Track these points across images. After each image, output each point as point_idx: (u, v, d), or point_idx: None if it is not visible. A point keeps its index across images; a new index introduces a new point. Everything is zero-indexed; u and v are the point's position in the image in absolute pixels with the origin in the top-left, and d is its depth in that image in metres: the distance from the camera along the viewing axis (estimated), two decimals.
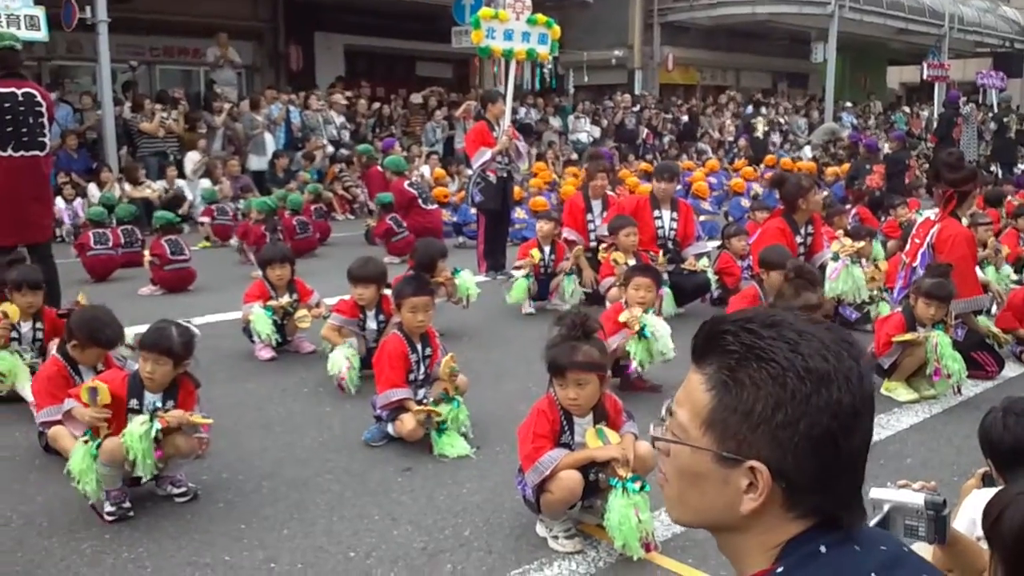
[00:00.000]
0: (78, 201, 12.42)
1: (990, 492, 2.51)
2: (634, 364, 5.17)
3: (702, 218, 12.31)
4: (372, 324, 5.81)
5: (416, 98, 18.61)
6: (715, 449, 1.16)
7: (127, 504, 3.81)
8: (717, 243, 9.14)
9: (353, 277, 5.80)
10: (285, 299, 6.32)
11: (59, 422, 3.97)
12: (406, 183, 11.50)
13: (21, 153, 6.36)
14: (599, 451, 3.49)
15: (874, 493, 2.01)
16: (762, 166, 17.17)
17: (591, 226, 8.40)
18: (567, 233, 8.20)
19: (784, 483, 1.13)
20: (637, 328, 5.17)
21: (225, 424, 4.64)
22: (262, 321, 6.15)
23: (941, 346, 5.29)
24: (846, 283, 6.64)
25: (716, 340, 1.19)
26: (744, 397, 1.13)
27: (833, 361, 1.12)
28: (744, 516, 1.16)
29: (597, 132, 20.57)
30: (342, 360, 5.40)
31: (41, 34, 10.02)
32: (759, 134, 21.60)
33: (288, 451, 4.55)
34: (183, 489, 3.99)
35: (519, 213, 11.82)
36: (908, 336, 5.34)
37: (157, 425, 3.73)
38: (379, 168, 12.58)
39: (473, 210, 10.39)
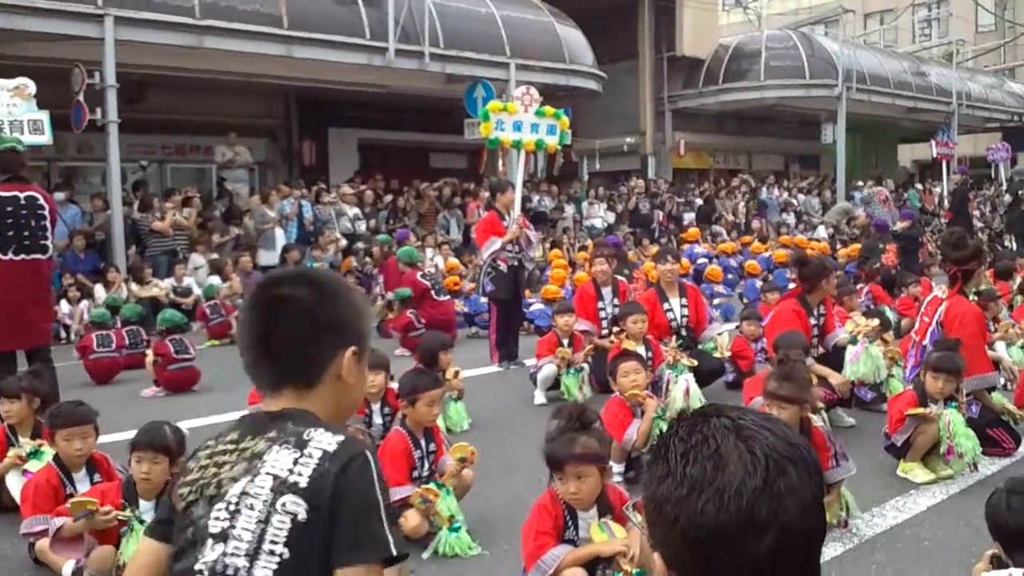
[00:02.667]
0: (83, 303, 12.52)
1: (999, 574, 2.45)
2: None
3: (716, 301, 12.33)
4: (378, 419, 5.77)
5: (429, 189, 18.86)
6: (646, 534, 1.23)
7: None
8: (734, 325, 9.11)
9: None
10: None
11: (44, 532, 3.92)
12: (419, 274, 11.59)
13: (22, 257, 6.36)
14: (603, 546, 3.42)
15: None
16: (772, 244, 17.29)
17: (602, 313, 8.41)
18: (579, 324, 8.18)
19: None
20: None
21: None
22: None
23: (954, 424, 5.25)
24: (866, 365, 6.59)
25: (668, 429, 1.25)
26: (649, 489, 1.21)
27: (713, 472, 1.14)
28: None
29: (612, 217, 20.74)
30: None
31: (45, 138, 10.27)
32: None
33: None
34: None
35: (532, 298, 11.83)
36: (920, 410, 5.30)
37: None
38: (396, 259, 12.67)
39: (484, 300, 10.43)
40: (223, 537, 1.72)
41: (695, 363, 7.01)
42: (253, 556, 1.68)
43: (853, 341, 6.67)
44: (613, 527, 3.48)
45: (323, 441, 1.76)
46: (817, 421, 4.76)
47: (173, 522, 1.85)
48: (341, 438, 1.79)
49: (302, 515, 1.69)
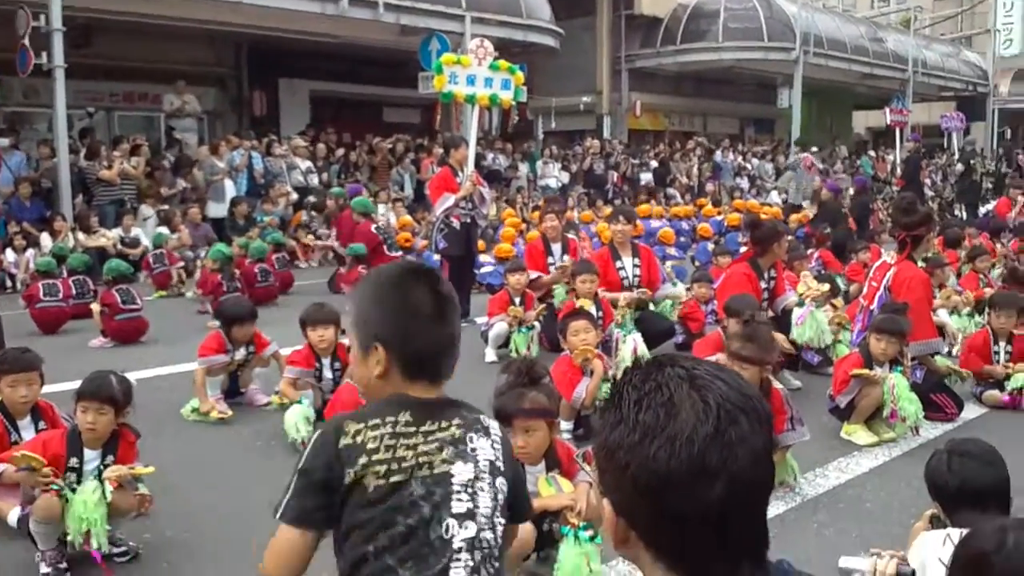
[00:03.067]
0: (29, 251, 12.27)
1: (937, 534, 2.53)
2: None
3: (668, 264, 12.43)
4: (328, 374, 5.77)
5: (382, 144, 18.69)
6: (596, 482, 1.23)
7: (63, 565, 3.73)
8: (685, 287, 9.18)
9: (311, 320, 5.78)
10: (240, 353, 6.28)
11: None
12: (373, 226, 11.47)
13: None
14: (551, 500, 3.47)
15: (843, 562, 2.03)
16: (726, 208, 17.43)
17: (552, 269, 8.46)
18: (531, 274, 8.23)
19: (632, 528, 1.18)
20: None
21: (172, 480, 4.57)
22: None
23: (898, 388, 5.38)
24: (811, 328, 6.72)
25: (622, 377, 1.25)
26: (601, 436, 1.21)
27: (665, 419, 1.15)
28: (624, 552, 1.22)
29: (566, 177, 20.75)
30: (300, 421, 5.31)
31: None
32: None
33: (238, 509, 4.46)
34: (123, 548, 3.90)
35: (485, 257, 11.82)
36: (864, 371, 5.42)
37: (108, 488, 3.66)
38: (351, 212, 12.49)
39: (437, 257, 10.41)
40: (471, 516, 1.99)
41: (649, 294, 7.11)
42: (493, 528, 2.03)
43: (800, 304, 6.78)
44: (561, 482, 3.53)
45: (495, 428, 2.13)
46: (776, 383, 4.85)
47: (330, 507, 1.96)
48: (498, 424, 2.17)
49: (504, 492, 2.08)
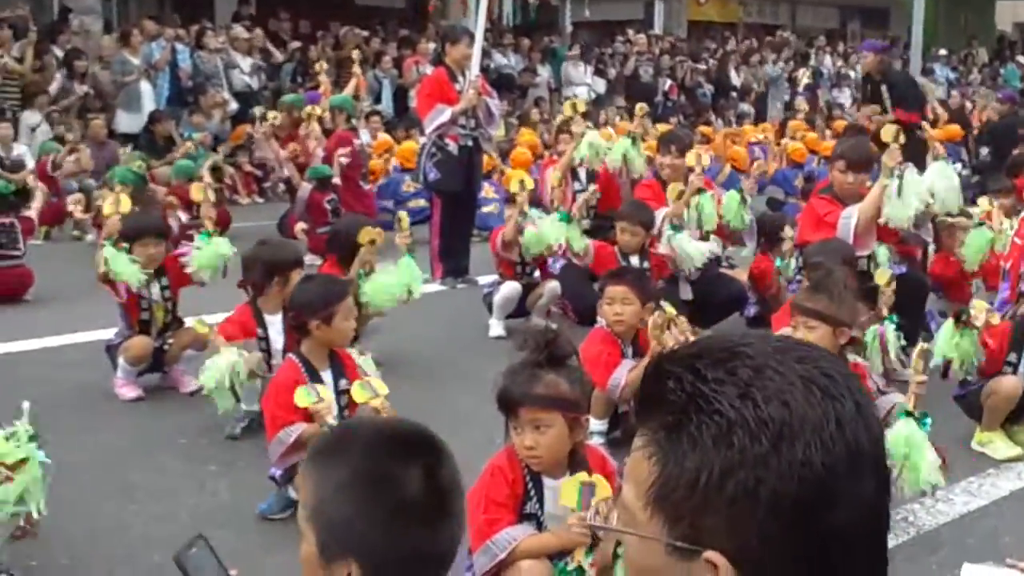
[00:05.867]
0: None
1: None
2: None
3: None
4: (278, 338, 5.72)
5: (352, 35, 18.58)
6: (663, 537, 1.17)
7: None
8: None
9: (296, 263, 5.87)
10: (155, 290, 6.29)
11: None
12: (357, 143, 11.37)
13: None
14: (564, 537, 3.45)
15: (967, 571, 2.04)
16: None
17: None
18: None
19: None
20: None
21: (69, 489, 4.58)
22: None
23: None
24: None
25: (657, 387, 1.20)
26: (687, 465, 1.15)
27: (799, 406, 1.13)
28: None
29: (601, 85, 20.68)
30: (232, 373, 5.22)
31: None
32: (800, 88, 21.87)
33: (156, 526, 4.52)
34: None
35: (487, 191, 11.70)
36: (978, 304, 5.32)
37: None
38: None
39: (408, 187, 10.37)
40: None
41: None
42: None
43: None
44: (597, 484, 3.39)
45: None
46: (856, 356, 4.79)
47: None
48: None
49: None
